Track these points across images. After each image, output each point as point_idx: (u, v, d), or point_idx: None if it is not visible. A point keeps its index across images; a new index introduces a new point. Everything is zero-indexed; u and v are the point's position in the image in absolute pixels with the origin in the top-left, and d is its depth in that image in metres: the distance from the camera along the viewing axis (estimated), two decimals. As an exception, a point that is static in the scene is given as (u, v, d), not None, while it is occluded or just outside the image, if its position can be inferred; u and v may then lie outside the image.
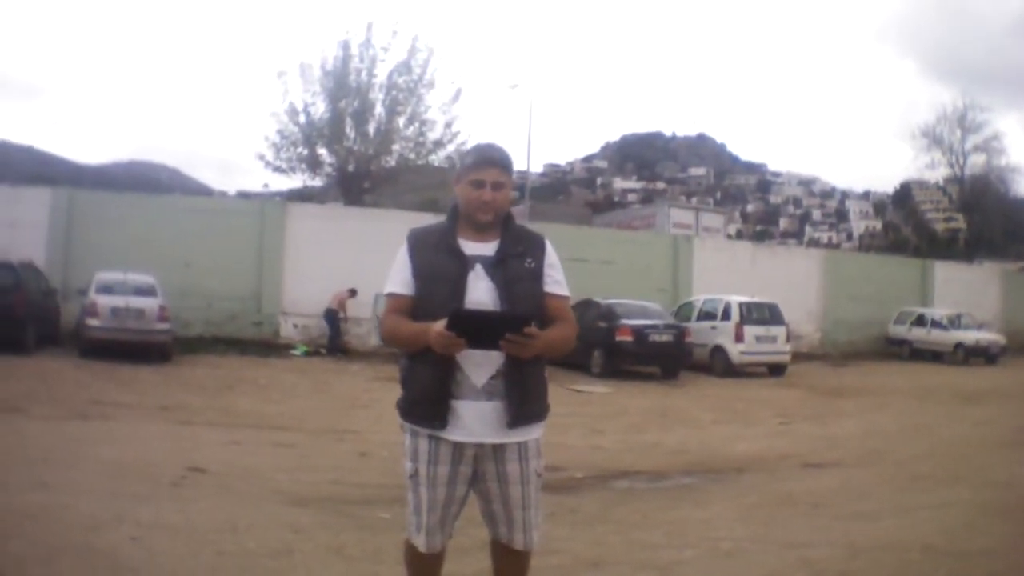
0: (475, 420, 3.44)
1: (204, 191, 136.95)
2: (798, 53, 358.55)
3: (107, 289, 19.37)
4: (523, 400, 3.47)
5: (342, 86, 31.73)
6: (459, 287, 3.44)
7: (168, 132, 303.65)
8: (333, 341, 23.57)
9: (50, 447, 9.20)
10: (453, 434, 3.46)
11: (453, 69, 72.75)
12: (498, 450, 3.50)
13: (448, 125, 33.09)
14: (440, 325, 3.23)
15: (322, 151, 33.02)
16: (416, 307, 3.49)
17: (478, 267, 3.49)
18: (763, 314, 23.49)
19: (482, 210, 3.51)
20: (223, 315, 23.78)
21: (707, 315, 23.94)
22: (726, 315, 23.34)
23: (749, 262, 30.11)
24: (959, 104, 53.18)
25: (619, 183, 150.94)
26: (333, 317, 23.76)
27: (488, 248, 3.53)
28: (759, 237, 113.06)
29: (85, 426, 11.09)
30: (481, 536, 6.07)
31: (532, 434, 3.57)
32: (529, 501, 3.60)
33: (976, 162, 52.78)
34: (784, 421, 14.68)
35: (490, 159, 3.55)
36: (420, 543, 3.58)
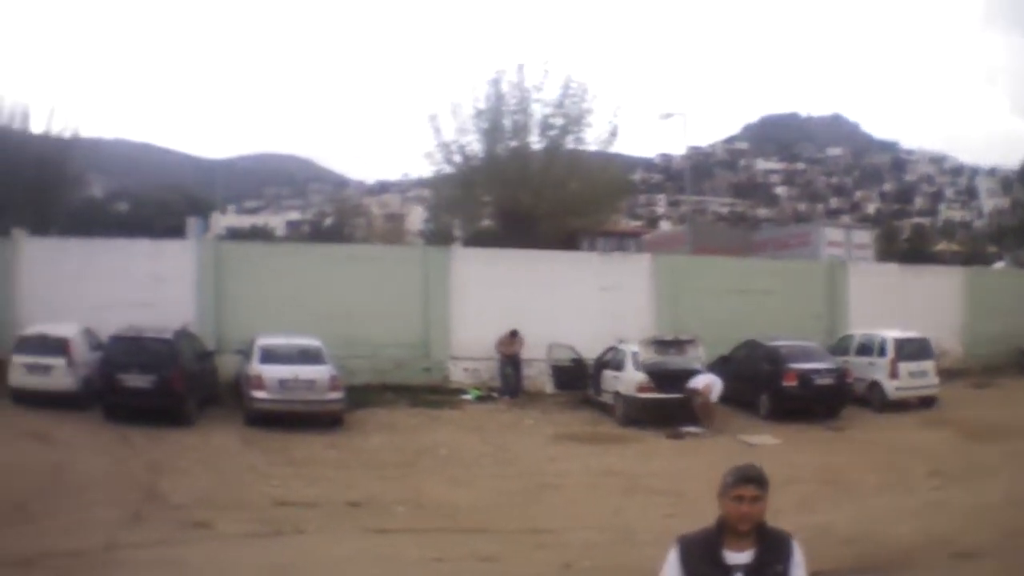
0: None
1: (339, 181, 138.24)
2: (920, 31, 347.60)
3: (271, 356, 19.20)
4: None
5: (497, 127, 32.09)
6: None
7: (300, 123, 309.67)
8: (510, 386, 24.18)
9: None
10: None
11: (606, 102, 72.23)
12: None
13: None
14: None
15: (480, 191, 33.56)
16: None
17: None
18: (915, 348, 24.48)
19: (742, 522, 4.16)
20: (389, 363, 24.24)
21: (864, 348, 25.06)
22: (882, 351, 24.40)
23: (898, 284, 30.62)
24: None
25: (760, 164, 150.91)
26: (511, 363, 24.35)
27: (746, 556, 4.17)
28: (895, 216, 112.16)
29: (281, 546, 11.43)
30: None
31: None
32: None
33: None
34: (936, 486, 15.45)
35: (747, 477, 4.22)
36: None
